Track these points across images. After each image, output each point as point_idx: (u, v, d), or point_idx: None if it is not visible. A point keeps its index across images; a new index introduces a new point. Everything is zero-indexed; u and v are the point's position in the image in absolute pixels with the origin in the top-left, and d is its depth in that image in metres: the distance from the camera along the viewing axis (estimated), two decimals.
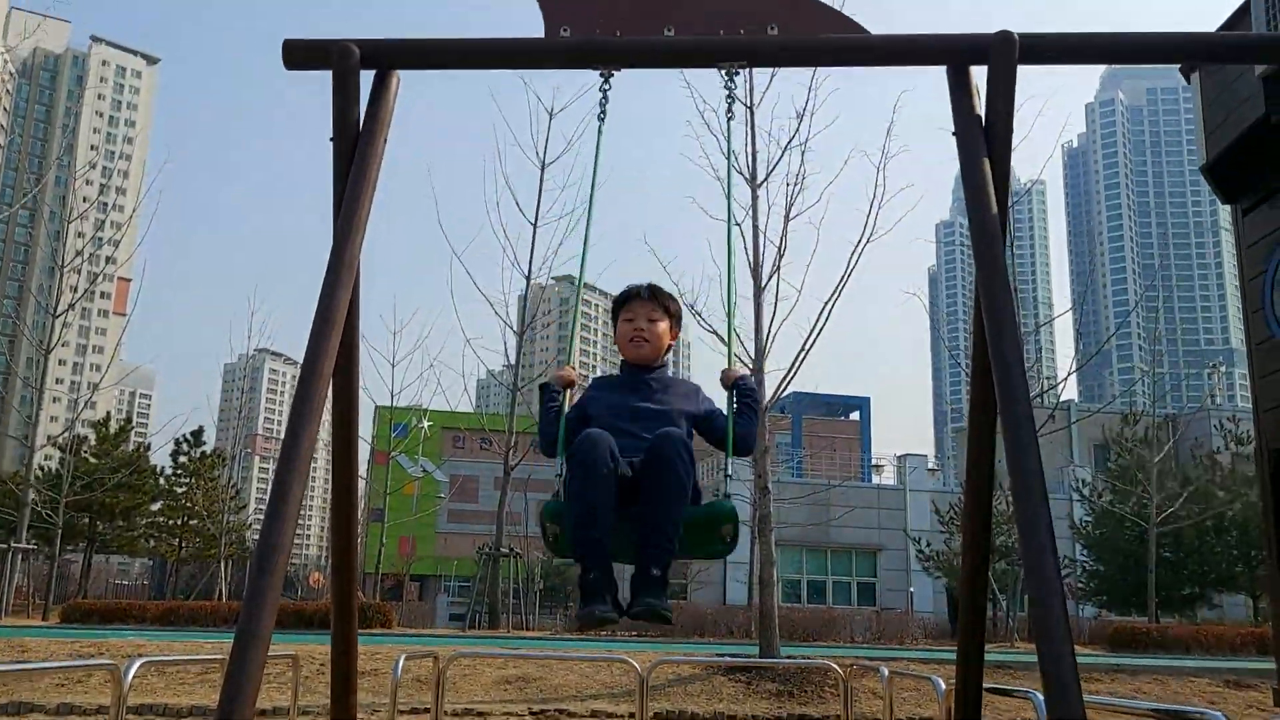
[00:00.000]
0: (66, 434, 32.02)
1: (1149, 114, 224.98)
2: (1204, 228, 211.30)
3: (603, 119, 5.27)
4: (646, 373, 3.63)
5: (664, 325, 3.72)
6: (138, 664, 6.39)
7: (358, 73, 5.32)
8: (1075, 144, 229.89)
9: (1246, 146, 7.08)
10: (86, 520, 41.54)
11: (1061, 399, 30.93)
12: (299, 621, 21.45)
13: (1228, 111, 7.21)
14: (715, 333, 15.42)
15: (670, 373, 3.71)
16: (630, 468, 3.32)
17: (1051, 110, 22.23)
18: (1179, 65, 7.57)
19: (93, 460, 40.69)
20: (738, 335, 15.07)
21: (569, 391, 3.75)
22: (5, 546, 26.71)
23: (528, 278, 26.82)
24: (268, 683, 10.53)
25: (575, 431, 3.48)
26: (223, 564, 37.37)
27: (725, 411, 3.65)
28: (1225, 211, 8.03)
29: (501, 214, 70.22)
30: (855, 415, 60.50)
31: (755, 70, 15.21)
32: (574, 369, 3.84)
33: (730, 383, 3.67)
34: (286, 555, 4.12)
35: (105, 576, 61.16)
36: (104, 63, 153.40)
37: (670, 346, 3.79)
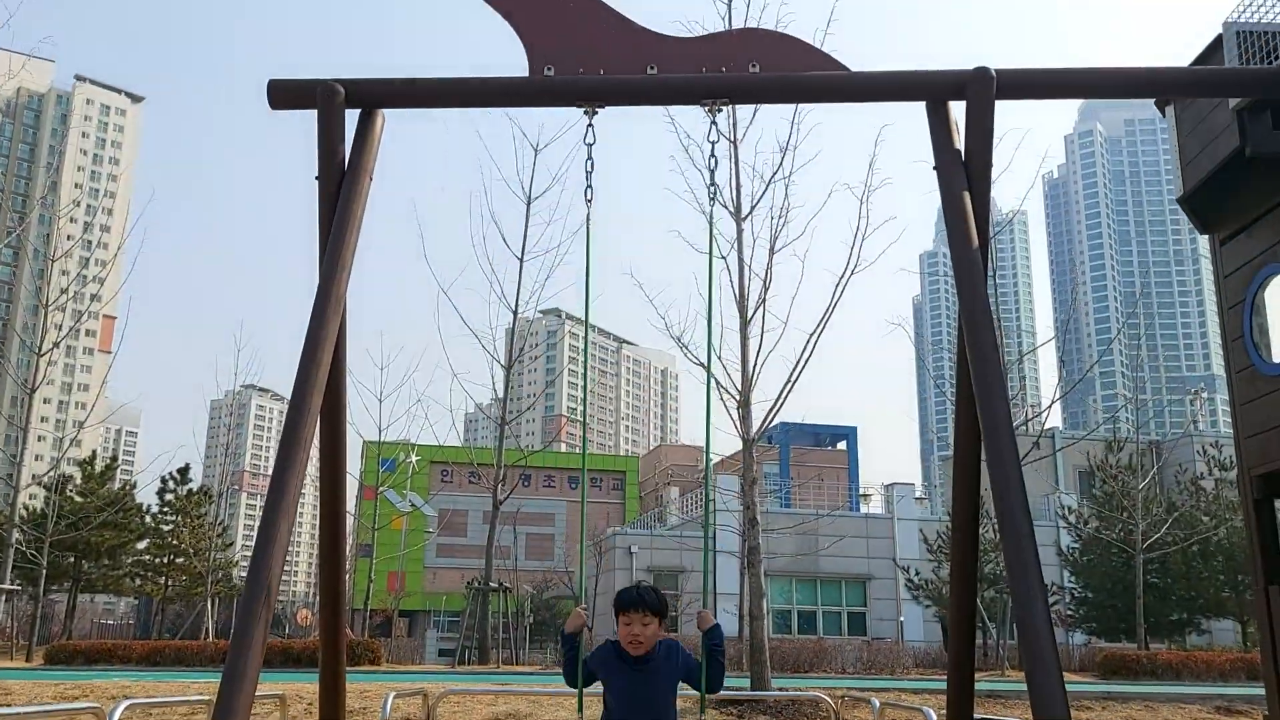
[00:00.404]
0: (52, 473, 31.74)
1: (1127, 145, 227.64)
2: (1184, 255, 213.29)
3: (590, 168, 5.39)
4: (643, 661, 4.47)
5: (654, 627, 4.49)
6: (123, 707, 6.33)
7: (343, 112, 5.39)
8: (1055, 174, 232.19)
9: (1222, 178, 7.17)
10: (72, 560, 41.09)
11: (1046, 426, 31.06)
12: (287, 660, 21.27)
13: (1203, 144, 7.32)
14: (702, 365, 15.47)
15: (658, 647, 4.51)
16: None
17: (1031, 142, 22.48)
18: (1154, 99, 7.69)
19: (78, 499, 40.31)
20: (723, 365, 15.13)
21: (584, 633, 4.72)
22: None
23: (515, 311, 26.88)
24: None
25: (593, 676, 4.57)
26: (209, 602, 36.99)
27: (698, 659, 4.58)
28: (1204, 240, 8.12)
29: (488, 249, 70.92)
30: (842, 445, 60.51)
31: (738, 105, 15.37)
32: (585, 611, 4.79)
33: (705, 627, 4.57)
34: (274, 594, 4.11)
35: (90, 616, 60.46)
36: (88, 101, 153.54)
37: (660, 635, 4.61)
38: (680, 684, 4.57)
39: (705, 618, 4.61)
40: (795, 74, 5.40)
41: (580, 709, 4.67)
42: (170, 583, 44.73)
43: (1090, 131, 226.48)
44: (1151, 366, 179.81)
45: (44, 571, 28.94)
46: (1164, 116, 7.87)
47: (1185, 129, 7.62)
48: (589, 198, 5.45)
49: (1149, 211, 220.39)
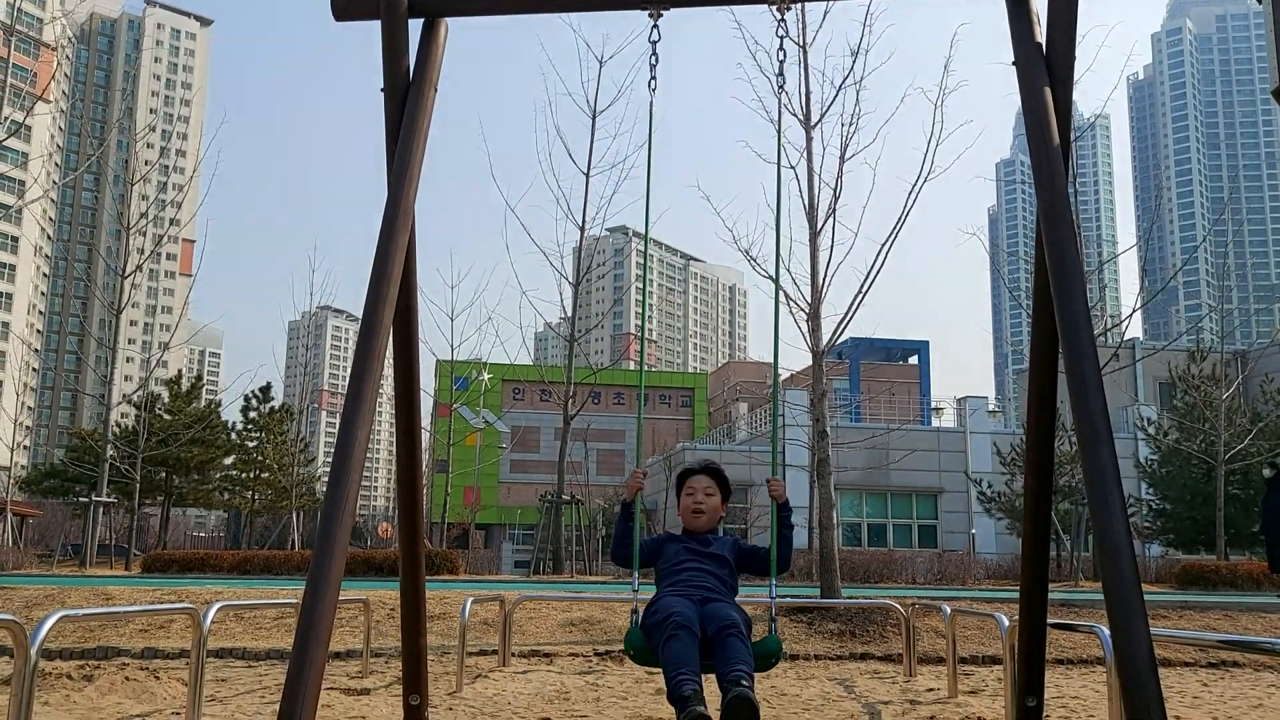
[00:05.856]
0: (140, 392, 32.96)
1: (1218, 42, 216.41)
2: (1276, 159, 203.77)
3: (654, 68, 5.26)
4: (704, 541, 4.30)
5: (717, 500, 4.39)
6: (216, 608, 6.61)
7: (406, 21, 5.33)
8: (1140, 76, 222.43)
9: None
10: (163, 475, 42.85)
11: (1126, 337, 30.27)
12: (368, 569, 22.01)
13: None
14: (771, 278, 15.31)
15: (719, 533, 4.41)
16: (701, 619, 3.93)
17: (1115, 41, 21.49)
18: None
19: (166, 417, 41.88)
20: (792, 277, 14.97)
21: (640, 496, 4.49)
22: (88, 500, 27.75)
23: (582, 228, 26.81)
24: (340, 627, 10.85)
25: (649, 555, 4.33)
26: (294, 515, 38.37)
27: (767, 538, 4.30)
28: None
29: (554, 164, 70.53)
30: (914, 359, 59.92)
31: (808, 6, 14.90)
32: (642, 473, 4.55)
33: (780, 498, 4.29)
34: (355, 498, 4.23)
35: (183, 529, 63.17)
36: (159, 26, 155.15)
37: (721, 516, 4.44)
38: (741, 579, 4.32)
39: (779, 490, 4.32)
40: None
41: (635, 583, 4.42)
42: (257, 496, 46.46)
43: (1179, 29, 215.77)
44: (1239, 274, 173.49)
45: (138, 485, 30.22)
46: (1260, 4, 7.45)
47: None
48: (653, 87, 5.31)
49: (1240, 113, 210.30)
